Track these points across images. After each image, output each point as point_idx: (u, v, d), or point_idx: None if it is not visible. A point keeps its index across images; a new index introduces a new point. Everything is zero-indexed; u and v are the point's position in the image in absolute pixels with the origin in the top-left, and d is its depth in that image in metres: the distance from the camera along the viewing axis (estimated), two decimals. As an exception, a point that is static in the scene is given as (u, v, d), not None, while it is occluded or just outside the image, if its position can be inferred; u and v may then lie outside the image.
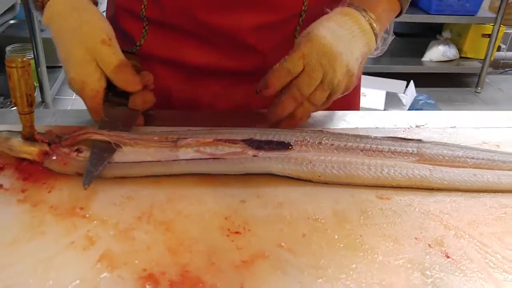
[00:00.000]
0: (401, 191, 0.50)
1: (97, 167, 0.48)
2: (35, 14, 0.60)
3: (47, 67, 2.15)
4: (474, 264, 0.41)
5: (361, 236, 0.44)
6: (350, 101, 0.77)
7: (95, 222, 0.43)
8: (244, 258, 0.40)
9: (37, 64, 2.08)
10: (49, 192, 0.47)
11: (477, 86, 2.94)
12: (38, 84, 2.12)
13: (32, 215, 0.44)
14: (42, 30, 2.08)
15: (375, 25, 0.57)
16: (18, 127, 0.52)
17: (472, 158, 0.55)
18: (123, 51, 0.57)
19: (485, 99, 2.90)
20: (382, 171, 0.51)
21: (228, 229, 0.43)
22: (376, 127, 0.63)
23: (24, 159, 0.51)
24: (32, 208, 0.45)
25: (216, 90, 0.70)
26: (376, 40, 0.58)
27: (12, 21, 2.38)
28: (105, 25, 0.56)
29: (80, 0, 0.56)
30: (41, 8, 0.56)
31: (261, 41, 0.66)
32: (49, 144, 0.51)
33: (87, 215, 0.44)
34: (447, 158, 0.54)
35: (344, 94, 0.58)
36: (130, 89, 0.56)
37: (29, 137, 0.52)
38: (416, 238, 0.44)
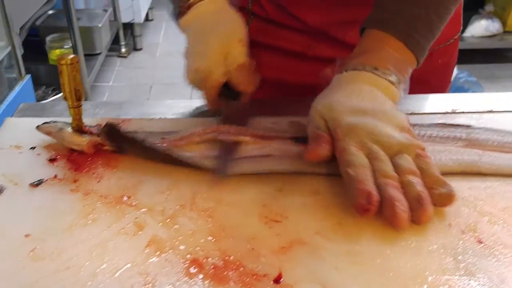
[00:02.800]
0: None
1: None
2: (175, 22, 0.64)
3: (84, 55, 2.22)
4: (508, 249, 0.42)
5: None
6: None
7: (143, 209, 0.47)
8: (282, 244, 0.42)
9: (76, 53, 2.15)
10: (98, 181, 0.51)
11: (521, 61, 2.83)
12: (77, 72, 2.19)
13: (84, 203, 0.48)
14: (79, 19, 2.14)
15: (391, 78, 0.52)
16: (67, 119, 0.56)
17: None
18: None
19: (531, 74, 2.79)
20: (434, 158, 0.51)
21: (266, 217, 0.46)
22: (412, 112, 0.64)
23: (74, 150, 0.55)
24: (84, 196, 0.49)
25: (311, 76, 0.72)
26: (399, 91, 0.54)
27: (50, 11, 2.46)
28: (243, 27, 0.61)
29: (223, 4, 0.62)
30: (183, 12, 0.62)
31: (350, 34, 0.69)
32: (98, 135, 0.55)
33: (135, 203, 0.47)
34: (496, 143, 0.54)
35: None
36: (244, 88, 0.61)
37: (78, 129, 0.56)
38: (449, 224, 0.45)
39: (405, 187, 0.45)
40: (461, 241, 0.43)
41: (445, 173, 0.50)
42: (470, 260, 0.41)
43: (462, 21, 0.79)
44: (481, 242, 0.43)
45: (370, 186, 0.44)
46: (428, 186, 0.45)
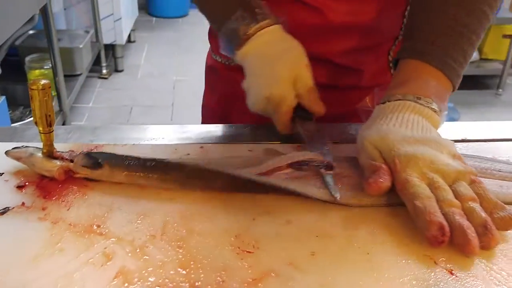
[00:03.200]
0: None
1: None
2: (229, 54, 0.65)
3: (64, 76, 2.20)
4: (479, 281, 0.42)
5: (368, 253, 0.45)
6: None
7: (112, 239, 0.45)
8: (254, 276, 0.42)
9: (55, 74, 2.13)
10: (68, 209, 0.49)
11: (498, 88, 2.91)
12: (55, 94, 2.17)
13: (52, 232, 0.46)
14: (59, 40, 2.13)
15: (433, 106, 0.54)
16: (38, 144, 0.55)
17: (499, 170, 0.55)
18: (223, 61, 0.77)
19: (506, 100, 2.87)
20: None
21: (238, 247, 0.45)
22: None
23: (44, 177, 0.54)
24: (52, 225, 0.47)
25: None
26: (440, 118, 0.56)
27: (31, 31, 2.45)
28: (305, 53, 0.63)
29: (283, 33, 0.63)
30: (243, 43, 0.62)
31: (355, 62, 0.73)
32: (71, 161, 0.53)
33: (104, 233, 0.46)
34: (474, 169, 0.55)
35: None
36: (317, 109, 0.62)
37: (49, 155, 0.55)
38: (424, 255, 0.45)
39: (468, 214, 0.46)
40: (433, 273, 0.43)
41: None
42: (442, 292, 0.41)
43: None
44: (453, 274, 0.43)
45: (441, 217, 0.45)
46: (487, 211, 0.46)
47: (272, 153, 0.58)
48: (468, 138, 0.65)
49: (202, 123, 0.88)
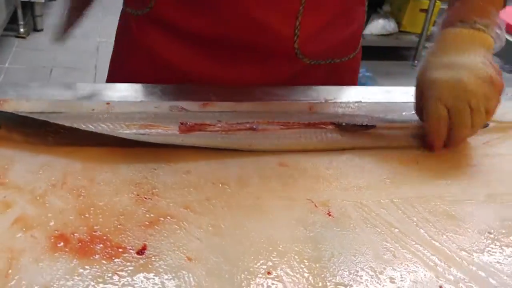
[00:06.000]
0: (298, 157, 0.56)
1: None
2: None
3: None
4: (352, 221, 0.48)
5: (258, 199, 0.49)
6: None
7: (12, 189, 0.47)
8: (150, 219, 0.45)
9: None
10: (-32, 161, 0.50)
11: (414, 59, 3.08)
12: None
13: (-50, 183, 0.47)
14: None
15: (489, 31, 0.61)
16: None
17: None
18: (135, 12, 0.69)
19: (420, 72, 3.04)
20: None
21: (138, 195, 0.48)
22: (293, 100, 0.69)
23: None
24: (-51, 176, 0.48)
25: (221, 63, 0.74)
26: (494, 41, 0.62)
27: None
28: None
29: None
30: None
31: (259, 13, 0.69)
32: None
33: (4, 183, 0.47)
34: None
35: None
36: None
37: None
38: (306, 199, 0.50)
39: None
40: (313, 214, 0.48)
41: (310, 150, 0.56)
42: (318, 230, 0.46)
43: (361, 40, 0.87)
44: (330, 215, 0.49)
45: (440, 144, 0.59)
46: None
47: (177, 110, 0.61)
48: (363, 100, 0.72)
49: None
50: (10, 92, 0.63)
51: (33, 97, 0.62)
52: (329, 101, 0.71)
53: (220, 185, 0.51)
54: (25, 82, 2.39)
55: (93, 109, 0.59)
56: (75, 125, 0.53)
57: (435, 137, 0.59)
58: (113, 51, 0.87)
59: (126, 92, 0.68)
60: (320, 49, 0.78)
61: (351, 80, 0.89)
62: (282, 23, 0.72)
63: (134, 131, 0.56)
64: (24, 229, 0.42)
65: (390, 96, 0.76)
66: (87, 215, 0.45)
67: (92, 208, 0.46)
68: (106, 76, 0.87)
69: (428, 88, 0.60)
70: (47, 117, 0.54)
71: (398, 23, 3.07)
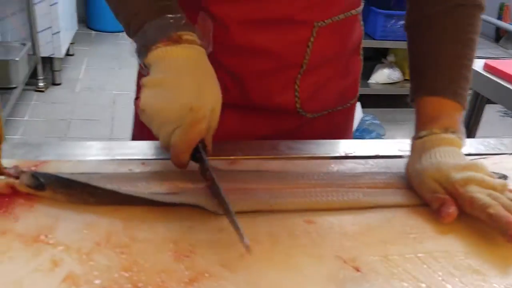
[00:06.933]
0: (323, 215, 0.59)
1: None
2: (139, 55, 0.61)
3: (-1, 88, 2.16)
4: (380, 276, 0.50)
5: (288, 255, 0.52)
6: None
7: (59, 247, 0.50)
8: (190, 277, 0.48)
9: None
10: (16, 221, 0.53)
11: (420, 106, 3.14)
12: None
13: (1, 242, 0.50)
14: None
15: (459, 135, 0.66)
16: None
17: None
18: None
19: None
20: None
21: (176, 252, 0.51)
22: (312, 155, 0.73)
23: (-9, 193, 0.57)
24: (0, 236, 0.51)
25: (234, 118, 0.80)
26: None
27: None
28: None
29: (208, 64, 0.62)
30: (166, 44, 0.59)
31: (259, 85, 0.77)
32: (16, 178, 0.57)
33: (52, 242, 0.51)
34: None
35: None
36: (210, 149, 0.62)
37: (-3, 171, 0.58)
38: (335, 256, 0.53)
39: None
40: (342, 270, 0.51)
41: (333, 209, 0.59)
42: (349, 285, 0.49)
43: (359, 86, 0.93)
44: (359, 271, 0.51)
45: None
46: None
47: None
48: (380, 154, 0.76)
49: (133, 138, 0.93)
50: (49, 151, 0.68)
51: (73, 159, 0.66)
52: (349, 154, 0.75)
53: (252, 242, 0.53)
54: (44, 134, 2.47)
55: (130, 169, 0.63)
56: (115, 187, 0.57)
57: (443, 209, 0.60)
58: (135, 105, 0.93)
59: (156, 149, 0.72)
60: (320, 104, 0.84)
61: (350, 122, 0.95)
62: (281, 91, 0.80)
63: (167, 190, 0.59)
64: (73, 287, 0.45)
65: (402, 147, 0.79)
66: (130, 273, 0.47)
67: (135, 266, 0.48)
68: (122, 128, 0.92)
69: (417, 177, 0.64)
70: (88, 178, 0.58)
71: (403, 72, 3.15)
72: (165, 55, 0.58)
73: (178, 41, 0.58)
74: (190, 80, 0.58)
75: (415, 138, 0.69)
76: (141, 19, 0.60)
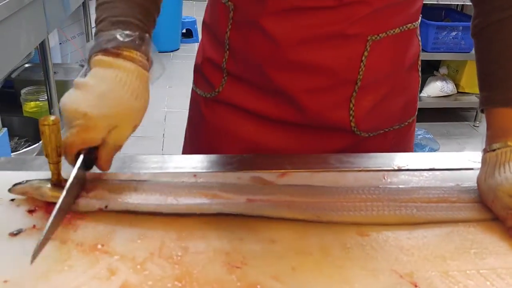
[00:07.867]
0: (377, 228, 0.57)
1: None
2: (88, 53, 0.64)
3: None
4: (439, 292, 0.48)
5: (340, 267, 0.51)
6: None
7: (115, 257, 0.51)
8: None
9: (50, 105, 2.18)
10: (75, 231, 0.55)
11: (475, 120, 3.03)
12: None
13: (61, 251, 0.52)
14: (55, 73, 2.19)
15: None
16: (45, 174, 0.60)
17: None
18: (203, 94, 0.81)
19: (483, 132, 2.97)
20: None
21: (229, 263, 0.51)
22: (363, 168, 0.71)
23: (53, 202, 0.59)
24: (61, 245, 0.53)
25: (286, 137, 0.81)
26: None
27: (27, 65, 2.51)
28: (143, 115, 0.63)
29: (146, 82, 0.63)
30: (112, 55, 0.61)
31: (312, 102, 0.76)
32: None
33: (108, 251, 0.52)
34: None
35: None
36: (103, 166, 0.61)
37: (57, 183, 0.60)
38: (391, 270, 0.51)
39: None
40: (399, 285, 0.49)
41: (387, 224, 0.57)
42: (406, 301, 0.47)
43: (417, 105, 0.90)
44: (416, 286, 0.49)
45: None
46: None
47: (258, 181, 0.65)
48: (436, 167, 0.73)
49: (183, 153, 0.94)
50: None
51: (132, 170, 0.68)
52: (402, 168, 0.73)
53: (304, 254, 0.53)
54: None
55: (183, 181, 0.64)
56: (168, 201, 0.58)
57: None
58: (187, 122, 0.95)
59: (207, 163, 0.73)
60: (376, 123, 0.82)
61: (408, 142, 0.91)
62: (335, 109, 0.78)
63: (221, 201, 0.60)
64: (129, 296, 0.46)
65: (457, 162, 0.76)
66: (183, 283, 0.48)
67: (187, 276, 0.49)
68: (173, 144, 0.94)
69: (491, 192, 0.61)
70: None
71: (456, 85, 3.05)
72: (99, 63, 0.61)
73: (117, 54, 0.61)
74: (102, 90, 0.59)
75: (487, 151, 0.65)
76: (99, 28, 0.64)
